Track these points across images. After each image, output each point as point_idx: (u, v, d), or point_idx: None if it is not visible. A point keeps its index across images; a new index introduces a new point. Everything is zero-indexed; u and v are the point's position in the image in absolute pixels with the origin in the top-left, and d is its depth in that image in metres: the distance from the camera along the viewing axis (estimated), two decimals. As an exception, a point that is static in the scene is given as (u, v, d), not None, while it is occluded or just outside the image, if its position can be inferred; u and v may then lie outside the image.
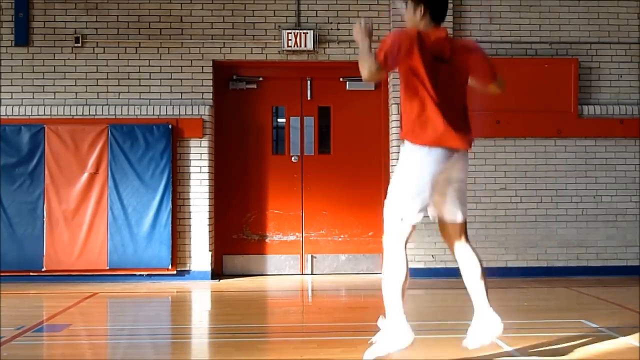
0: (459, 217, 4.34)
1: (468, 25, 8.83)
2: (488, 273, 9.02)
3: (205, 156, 8.55)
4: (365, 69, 4.14)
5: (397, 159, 8.92)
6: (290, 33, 8.63)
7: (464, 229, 4.37)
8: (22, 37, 8.52)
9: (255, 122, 9.04)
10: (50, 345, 5.42)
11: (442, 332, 5.51)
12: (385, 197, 8.83)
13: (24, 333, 5.50)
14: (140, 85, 8.61)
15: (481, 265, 4.39)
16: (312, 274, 8.93)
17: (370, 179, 9.00)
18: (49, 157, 8.30)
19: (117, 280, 8.31)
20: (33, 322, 5.94)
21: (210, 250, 8.55)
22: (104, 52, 8.60)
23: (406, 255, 4.18)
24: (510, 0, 8.84)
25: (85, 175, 8.31)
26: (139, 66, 8.62)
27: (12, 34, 8.55)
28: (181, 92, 8.61)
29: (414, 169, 4.20)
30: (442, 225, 4.41)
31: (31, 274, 8.24)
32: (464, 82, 4.43)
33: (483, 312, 4.39)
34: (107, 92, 8.59)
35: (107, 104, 8.54)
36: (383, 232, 4.23)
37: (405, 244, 4.19)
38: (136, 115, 8.48)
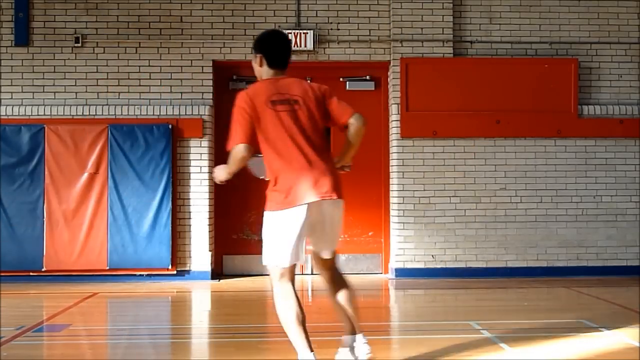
0: (327, 255, 4.32)
1: (468, 25, 8.83)
2: (488, 273, 9.07)
3: (205, 156, 8.55)
4: (237, 161, 4.28)
5: (397, 159, 8.98)
6: (290, 33, 8.61)
7: (334, 262, 4.36)
8: (22, 37, 8.52)
9: (255, 122, 9.02)
10: (50, 345, 5.43)
11: (442, 332, 5.51)
12: (385, 198, 8.80)
13: (24, 333, 5.50)
14: (140, 85, 8.61)
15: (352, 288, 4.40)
16: (312, 274, 8.92)
17: (370, 179, 8.99)
18: (49, 157, 8.30)
19: (117, 280, 8.30)
20: (33, 322, 5.95)
21: (210, 250, 8.55)
22: (104, 52, 8.60)
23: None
24: (510, 0, 8.84)
25: (85, 175, 8.31)
26: (139, 66, 8.62)
27: (12, 34, 8.55)
28: (181, 92, 8.61)
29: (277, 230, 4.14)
30: (317, 258, 4.36)
31: (31, 274, 8.24)
32: (319, 124, 4.33)
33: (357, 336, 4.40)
34: (107, 92, 8.59)
35: (107, 104, 8.54)
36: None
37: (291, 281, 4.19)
38: (136, 115, 8.48)
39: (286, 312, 4.14)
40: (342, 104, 4.40)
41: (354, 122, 4.35)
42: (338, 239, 4.33)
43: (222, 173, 4.46)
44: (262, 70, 4.38)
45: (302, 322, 4.09)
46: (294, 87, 4.27)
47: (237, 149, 4.24)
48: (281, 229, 4.10)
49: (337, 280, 4.39)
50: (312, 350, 4.01)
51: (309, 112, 4.23)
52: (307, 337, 4.06)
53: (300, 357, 4.03)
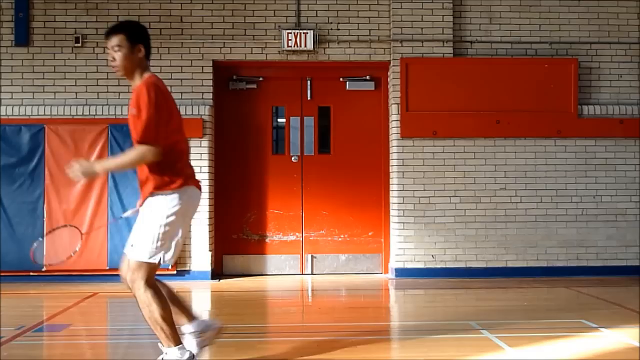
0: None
1: (468, 25, 8.83)
2: (488, 273, 9.09)
3: (205, 156, 8.55)
4: (144, 159, 4.07)
5: (397, 159, 8.97)
6: (290, 33, 8.63)
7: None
8: (22, 37, 8.52)
9: (255, 122, 9.04)
10: (50, 345, 5.43)
11: (442, 332, 5.51)
12: (385, 198, 8.75)
13: (24, 333, 5.50)
14: (140, 85, 8.60)
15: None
16: (312, 274, 8.93)
17: (370, 179, 9.00)
18: (49, 157, 8.30)
19: (117, 280, 8.23)
20: (33, 322, 5.95)
21: (210, 250, 8.55)
22: (104, 52, 8.59)
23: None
24: (510, 0, 8.84)
25: (85, 175, 8.29)
26: (139, 66, 8.60)
27: (12, 34, 8.55)
28: (181, 92, 8.61)
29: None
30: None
31: (31, 274, 8.24)
32: None
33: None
34: (107, 92, 8.59)
35: (107, 104, 8.54)
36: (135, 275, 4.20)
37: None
38: (136, 115, 8.46)
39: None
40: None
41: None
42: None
43: (97, 171, 4.14)
44: (140, 62, 4.18)
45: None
46: None
47: (153, 152, 4.07)
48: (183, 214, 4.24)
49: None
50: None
51: None
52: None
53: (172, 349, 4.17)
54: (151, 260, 4.17)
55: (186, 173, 4.29)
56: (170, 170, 4.18)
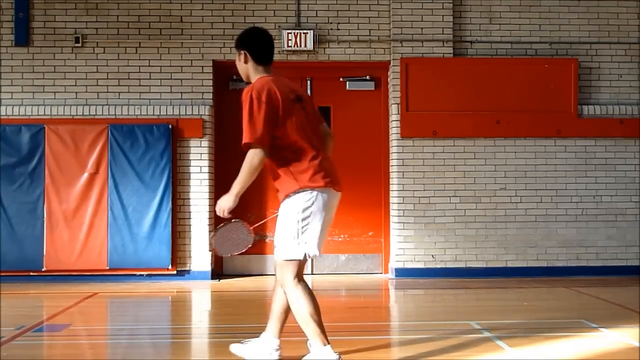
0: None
1: (468, 25, 8.83)
2: (488, 273, 9.08)
3: (205, 156, 8.55)
4: (256, 167, 4.38)
5: (397, 159, 8.96)
6: (290, 33, 8.63)
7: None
8: (22, 37, 8.52)
9: (255, 122, 9.02)
10: (50, 345, 5.43)
11: (442, 332, 5.50)
12: (385, 198, 8.72)
13: (24, 333, 5.50)
14: (140, 85, 8.61)
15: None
16: (312, 274, 8.93)
17: (370, 179, 9.00)
18: (49, 157, 8.30)
19: (117, 280, 8.30)
20: (33, 322, 5.95)
21: (210, 250, 8.55)
22: (104, 52, 8.60)
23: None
24: (510, 0, 8.84)
25: (85, 175, 8.31)
26: (139, 66, 8.62)
27: (12, 34, 8.55)
28: (181, 92, 8.61)
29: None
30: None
31: (31, 274, 8.24)
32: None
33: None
34: (107, 92, 8.59)
35: (107, 104, 8.54)
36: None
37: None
38: (136, 115, 8.48)
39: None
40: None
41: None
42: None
43: (229, 200, 4.43)
44: (248, 67, 4.52)
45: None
46: (293, 85, 4.50)
47: (261, 154, 4.33)
48: (319, 211, 4.33)
49: None
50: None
51: (312, 110, 4.54)
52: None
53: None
54: (294, 257, 4.25)
55: (315, 172, 4.39)
56: (293, 171, 4.37)
